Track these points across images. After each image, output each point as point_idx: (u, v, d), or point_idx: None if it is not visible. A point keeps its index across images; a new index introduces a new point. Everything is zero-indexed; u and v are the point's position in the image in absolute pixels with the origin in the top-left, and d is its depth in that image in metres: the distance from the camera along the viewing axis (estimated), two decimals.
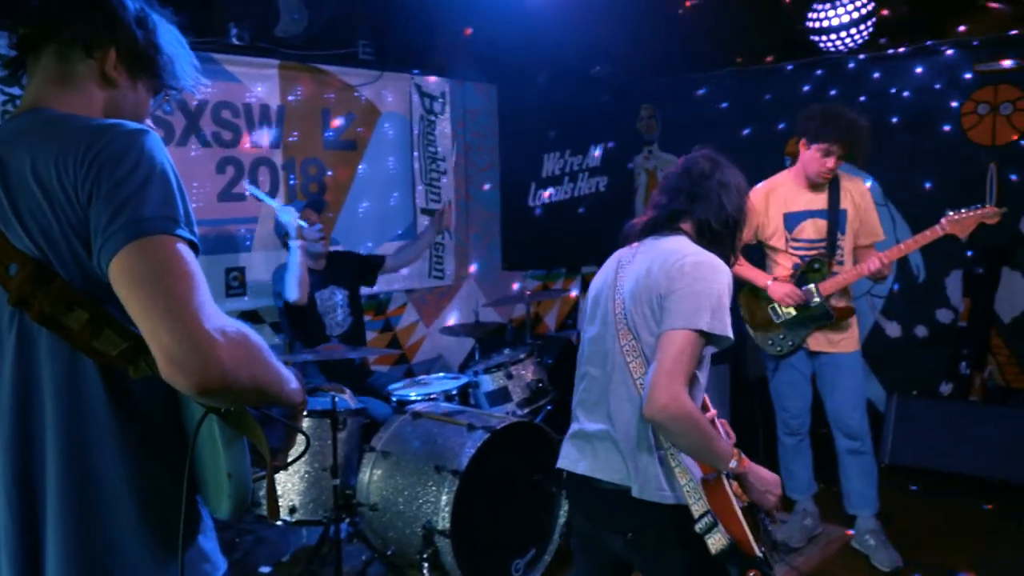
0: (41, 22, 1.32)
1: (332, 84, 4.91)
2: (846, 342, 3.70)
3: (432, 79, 5.40)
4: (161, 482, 1.26)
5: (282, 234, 4.11)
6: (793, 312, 3.67)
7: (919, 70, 4.99)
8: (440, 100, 5.48)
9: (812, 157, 3.58)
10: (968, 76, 4.84)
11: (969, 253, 4.85)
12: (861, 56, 5.13)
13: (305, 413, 3.41)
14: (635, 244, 2.20)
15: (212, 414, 1.22)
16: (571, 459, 2.15)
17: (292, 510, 3.36)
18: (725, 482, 1.91)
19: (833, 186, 3.67)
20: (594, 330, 2.16)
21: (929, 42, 4.97)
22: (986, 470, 4.49)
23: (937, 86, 4.93)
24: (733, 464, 1.91)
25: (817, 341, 3.69)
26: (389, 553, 3.40)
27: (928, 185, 4.98)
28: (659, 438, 1.96)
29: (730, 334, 1.94)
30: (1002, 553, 3.78)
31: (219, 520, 1.37)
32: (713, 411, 2.17)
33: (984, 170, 4.80)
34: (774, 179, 3.83)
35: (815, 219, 3.68)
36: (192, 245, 1.19)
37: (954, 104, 4.88)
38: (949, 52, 4.89)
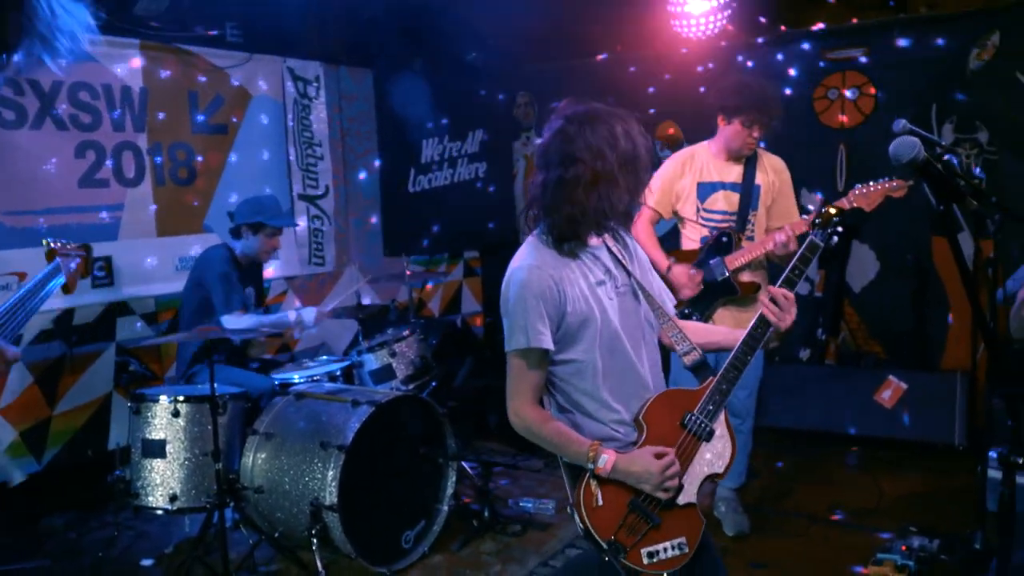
0: None
1: (199, 66, 4.75)
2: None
3: (305, 63, 5.31)
4: None
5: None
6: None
7: (778, 57, 5.29)
8: (315, 84, 5.39)
9: (735, 131, 3.50)
10: (820, 64, 5.18)
11: None
12: (723, 43, 5.39)
13: (183, 399, 3.32)
14: None
15: None
16: None
17: (173, 498, 3.26)
18: (584, 477, 1.99)
19: (750, 160, 3.61)
20: None
21: (784, 29, 5.29)
22: (840, 426, 4.86)
23: (792, 72, 5.24)
24: (591, 466, 1.96)
25: (723, 318, 3.56)
26: (277, 535, 3.34)
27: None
28: None
29: (532, 344, 1.95)
30: (853, 496, 4.08)
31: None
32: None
33: (835, 151, 5.16)
34: (694, 147, 3.75)
35: (727, 192, 3.60)
36: None
37: (806, 90, 5.21)
38: (803, 42, 5.22)
